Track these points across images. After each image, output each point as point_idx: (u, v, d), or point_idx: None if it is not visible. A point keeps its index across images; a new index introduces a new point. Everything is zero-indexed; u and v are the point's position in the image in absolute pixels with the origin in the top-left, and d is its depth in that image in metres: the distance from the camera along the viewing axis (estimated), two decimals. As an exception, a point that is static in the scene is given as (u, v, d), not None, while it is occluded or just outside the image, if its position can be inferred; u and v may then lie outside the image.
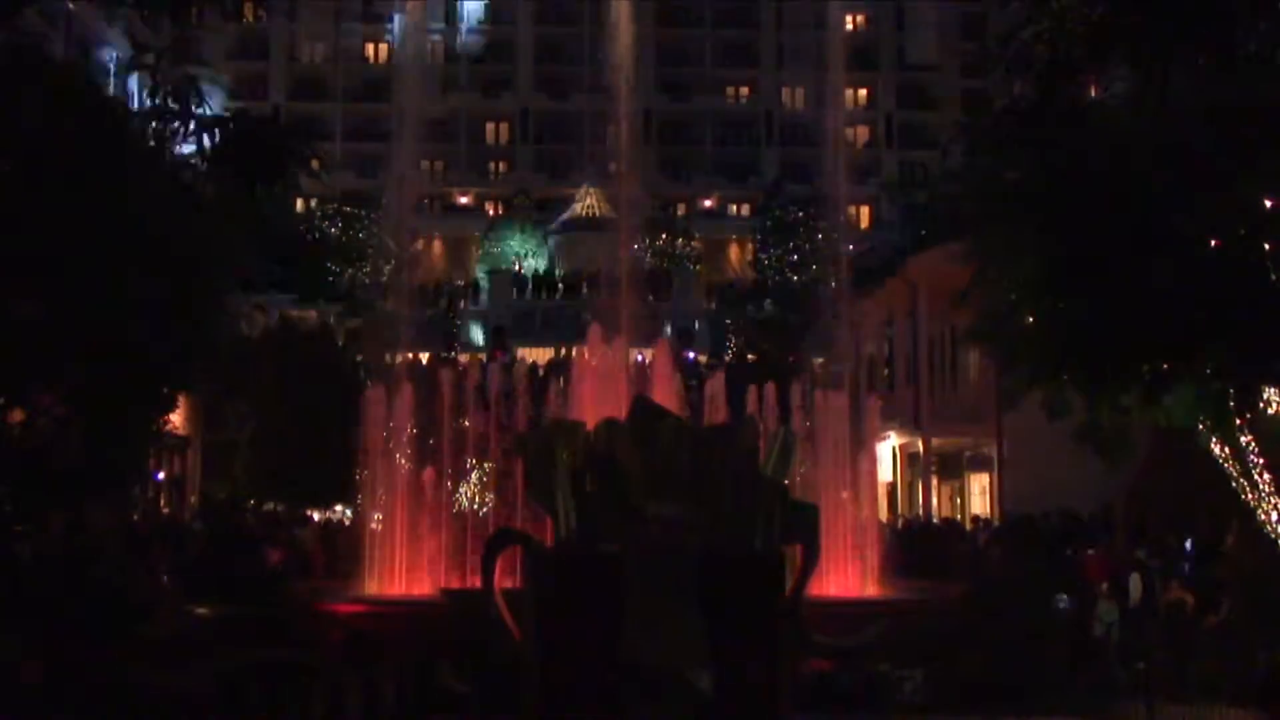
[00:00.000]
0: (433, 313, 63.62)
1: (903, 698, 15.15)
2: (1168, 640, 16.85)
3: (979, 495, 35.70)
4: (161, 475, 33.75)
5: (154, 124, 11.95)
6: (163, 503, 33.51)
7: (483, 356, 58.74)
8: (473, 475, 24.79)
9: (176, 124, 11.71)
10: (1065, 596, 17.66)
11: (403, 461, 21.62)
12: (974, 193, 14.83)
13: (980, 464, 34.90)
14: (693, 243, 72.26)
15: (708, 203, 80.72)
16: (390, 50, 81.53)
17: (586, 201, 71.65)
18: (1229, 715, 14.04)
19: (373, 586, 20.16)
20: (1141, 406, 13.52)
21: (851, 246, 54.74)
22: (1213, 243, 12.07)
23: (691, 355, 56.51)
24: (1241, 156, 11.72)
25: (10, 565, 15.14)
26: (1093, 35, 13.34)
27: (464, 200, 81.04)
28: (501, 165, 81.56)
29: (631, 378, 20.29)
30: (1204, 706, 14.29)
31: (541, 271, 69.30)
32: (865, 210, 77.97)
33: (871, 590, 20.31)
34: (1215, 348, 12.11)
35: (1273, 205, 12.18)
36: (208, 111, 11.81)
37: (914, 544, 26.76)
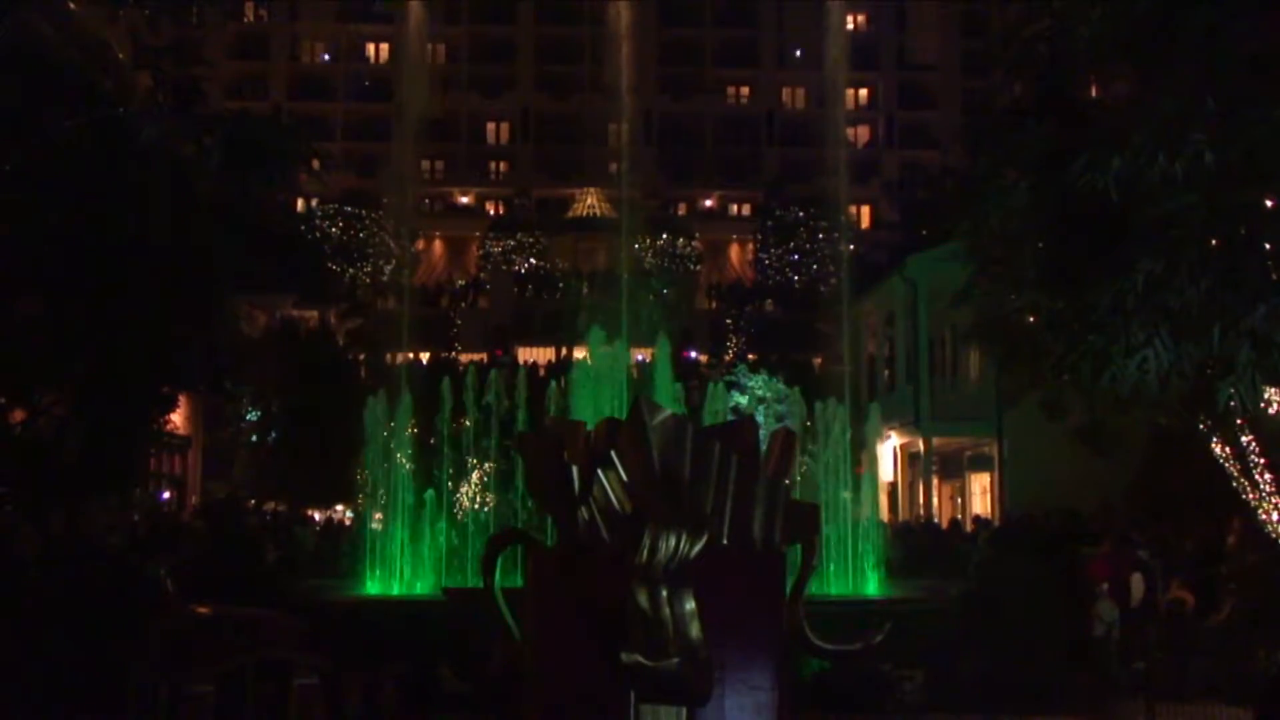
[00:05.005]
0: (433, 313, 63.62)
1: (903, 698, 15.15)
2: (1168, 640, 16.84)
3: (979, 495, 35.71)
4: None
5: (154, 124, 11.96)
6: (166, 500, 33.53)
7: (483, 357, 58.84)
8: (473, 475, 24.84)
9: (177, 124, 11.72)
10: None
11: (403, 461, 21.66)
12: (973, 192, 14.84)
13: (980, 464, 34.91)
14: (693, 243, 72.27)
15: (708, 203, 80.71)
16: (391, 50, 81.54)
17: (587, 202, 71.71)
18: (1229, 715, 14.02)
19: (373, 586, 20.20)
20: (1142, 406, 13.53)
21: (852, 246, 54.71)
22: (1213, 242, 12.08)
23: (692, 355, 56.54)
24: (1242, 155, 11.72)
25: (11, 565, 15.15)
26: (1093, 35, 13.34)
27: (464, 200, 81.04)
28: (501, 165, 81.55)
29: (632, 378, 20.34)
30: (1204, 706, 14.28)
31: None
32: (865, 210, 77.97)
33: (872, 590, 20.36)
34: (1216, 347, 12.10)
35: (1273, 205, 12.19)
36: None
37: (914, 544, 26.80)
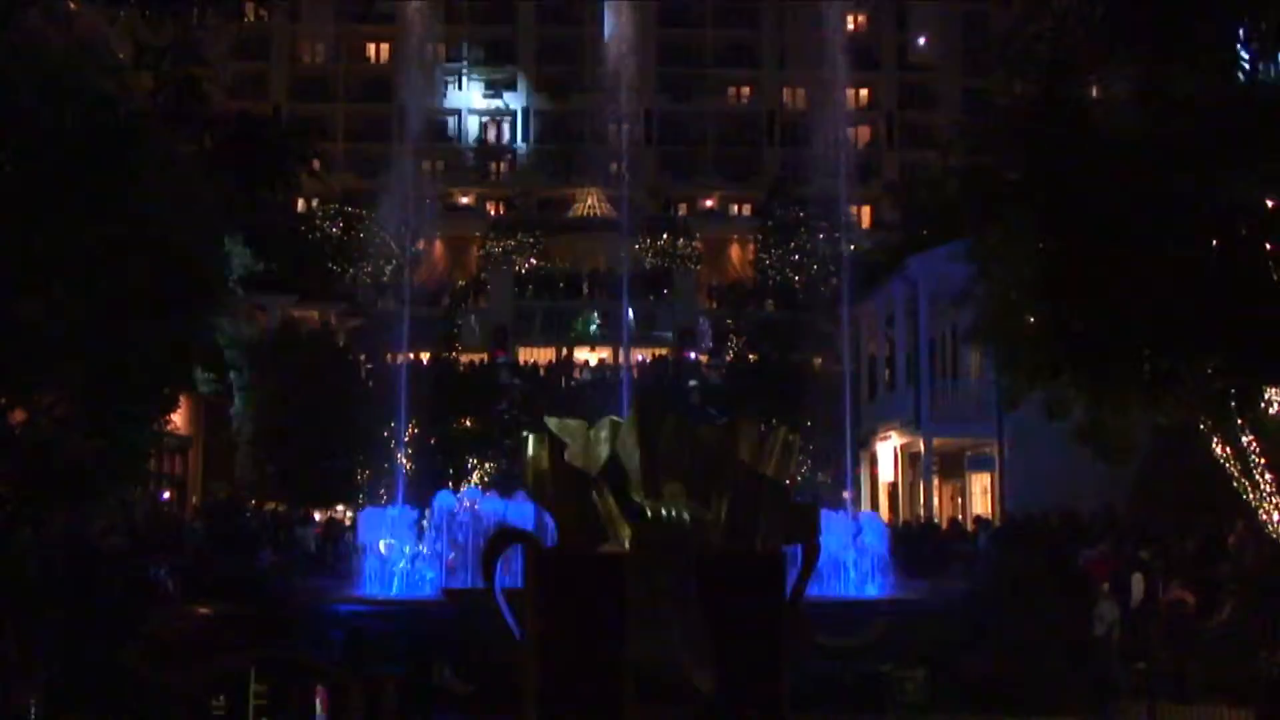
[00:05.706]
0: (433, 313, 63.51)
1: (903, 697, 15.15)
2: (1168, 640, 16.83)
3: (980, 495, 35.70)
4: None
5: (154, 124, 11.96)
6: (166, 500, 33.52)
7: (483, 357, 58.80)
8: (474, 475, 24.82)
9: (177, 124, 11.71)
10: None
11: (405, 462, 21.68)
12: (975, 192, 14.86)
13: (981, 464, 34.88)
14: (693, 243, 72.24)
15: (709, 203, 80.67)
16: (392, 50, 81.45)
17: (587, 202, 71.66)
18: (1230, 715, 14.02)
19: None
20: (1143, 405, 13.53)
21: (852, 246, 54.62)
22: (1213, 243, 12.09)
23: (692, 356, 56.49)
24: (1242, 155, 11.72)
25: (12, 564, 15.13)
26: (1093, 35, 13.35)
27: (464, 200, 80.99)
28: (501, 165, 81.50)
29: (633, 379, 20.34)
30: (1204, 707, 14.28)
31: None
32: (866, 210, 77.90)
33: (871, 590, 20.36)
34: (1216, 348, 12.11)
35: (1273, 205, 12.20)
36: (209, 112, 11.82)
37: (915, 544, 26.81)
